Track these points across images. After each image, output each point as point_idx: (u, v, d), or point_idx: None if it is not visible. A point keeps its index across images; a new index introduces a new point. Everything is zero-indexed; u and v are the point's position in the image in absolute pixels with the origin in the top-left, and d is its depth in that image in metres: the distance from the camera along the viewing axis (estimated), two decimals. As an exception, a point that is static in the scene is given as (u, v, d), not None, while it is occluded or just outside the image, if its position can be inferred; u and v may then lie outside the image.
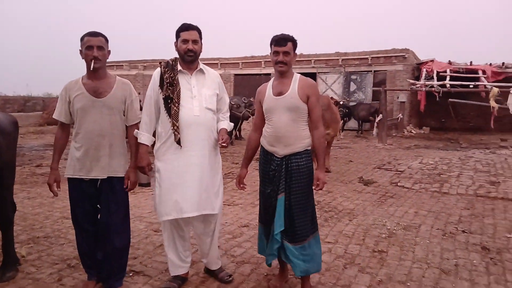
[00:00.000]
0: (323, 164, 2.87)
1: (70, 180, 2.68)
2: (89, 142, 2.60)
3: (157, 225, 4.23)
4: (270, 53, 2.81)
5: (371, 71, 18.85)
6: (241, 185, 3.05)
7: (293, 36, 2.77)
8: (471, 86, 14.76)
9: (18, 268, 3.08)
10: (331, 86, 19.74)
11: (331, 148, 8.73)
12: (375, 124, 15.16)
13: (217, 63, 21.68)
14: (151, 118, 2.80)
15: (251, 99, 11.72)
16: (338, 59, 19.55)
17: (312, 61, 19.96)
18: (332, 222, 4.65)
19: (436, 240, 4.05)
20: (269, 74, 19.28)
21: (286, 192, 2.74)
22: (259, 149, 3.04)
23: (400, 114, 16.77)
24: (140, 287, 2.92)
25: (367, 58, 18.80)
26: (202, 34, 2.85)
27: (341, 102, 14.68)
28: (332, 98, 9.32)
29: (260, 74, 20.83)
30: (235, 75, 21.96)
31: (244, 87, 20.65)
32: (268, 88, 2.85)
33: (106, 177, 2.65)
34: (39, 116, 18.94)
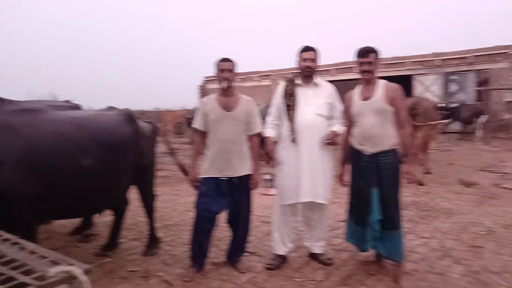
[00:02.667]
0: (412, 159, 3.21)
1: (205, 179, 3.27)
2: (221, 147, 3.22)
3: (264, 218, 4.82)
4: (356, 63, 3.25)
5: (473, 70, 17.72)
6: (342, 182, 3.50)
7: (375, 47, 3.20)
8: None
9: (158, 246, 3.87)
10: (429, 88, 18.95)
11: (431, 151, 8.61)
12: (479, 126, 14.27)
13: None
14: (275, 120, 3.50)
15: None
16: (435, 60, 18.74)
17: (407, 63, 19.38)
18: (428, 219, 4.79)
19: (541, 239, 4.01)
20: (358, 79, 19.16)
21: (378, 186, 3.12)
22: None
23: (508, 115, 15.49)
24: (254, 263, 3.51)
25: (467, 57, 17.73)
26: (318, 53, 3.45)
27: (442, 105, 14.15)
28: (430, 100, 9.18)
29: (352, 80, 20.77)
30: (328, 81, 22.13)
31: (338, 93, 20.71)
32: (355, 94, 3.29)
33: (237, 176, 3.25)
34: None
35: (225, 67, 3.22)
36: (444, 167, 8.78)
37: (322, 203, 3.41)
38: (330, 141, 3.32)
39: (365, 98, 3.20)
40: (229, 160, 3.21)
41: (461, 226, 4.47)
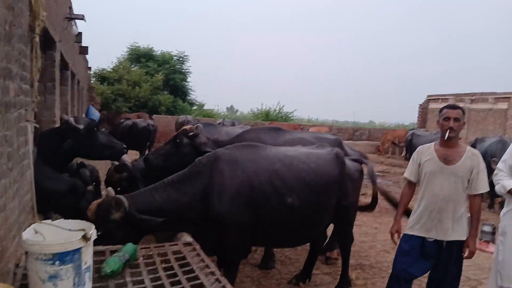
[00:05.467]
0: None
1: (409, 236, 3.01)
2: (432, 205, 2.88)
3: (475, 283, 4.13)
4: None
5: None
6: None
7: None
8: None
9: (349, 288, 3.79)
10: None
11: None
12: None
13: None
14: (508, 176, 2.96)
15: None
16: None
17: None
18: None
19: None
20: None
21: None
22: None
23: None
24: None
25: None
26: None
27: None
28: None
29: None
30: None
31: None
32: None
33: (447, 240, 2.86)
34: (365, 144, 20.87)
35: (452, 115, 2.84)
36: None
37: None
38: None
39: None
40: (440, 221, 2.86)
41: None
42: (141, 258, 2.17)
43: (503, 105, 21.18)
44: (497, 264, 2.91)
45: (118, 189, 3.69)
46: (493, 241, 5.15)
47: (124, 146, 4.15)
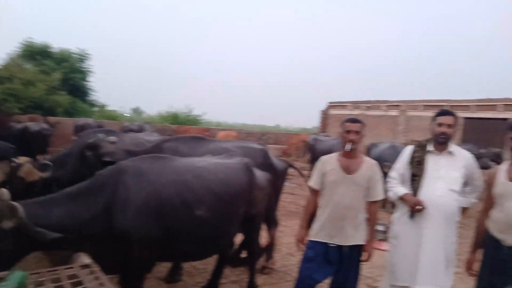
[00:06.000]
0: None
1: (313, 242, 3.12)
2: (336, 212, 3.03)
3: (371, 281, 4.46)
4: (505, 137, 2.77)
5: None
6: (470, 271, 3.02)
7: None
8: None
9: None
10: None
11: None
12: None
13: (444, 105, 20.38)
14: (400, 183, 3.20)
15: (499, 150, 10.58)
16: None
17: None
18: None
19: None
20: (507, 119, 16.94)
21: None
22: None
23: None
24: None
25: None
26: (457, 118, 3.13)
27: None
28: None
29: (496, 119, 18.49)
30: (466, 118, 20.11)
31: (476, 133, 18.68)
32: (501, 171, 2.80)
33: (348, 245, 3.03)
34: (272, 148, 21.55)
35: (352, 128, 3.03)
36: None
37: None
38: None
39: None
40: (343, 227, 3.02)
41: None
42: (31, 286, 1.95)
43: (394, 112, 23.47)
44: (390, 265, 3.16)
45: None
46: (386, 239, 5.60)
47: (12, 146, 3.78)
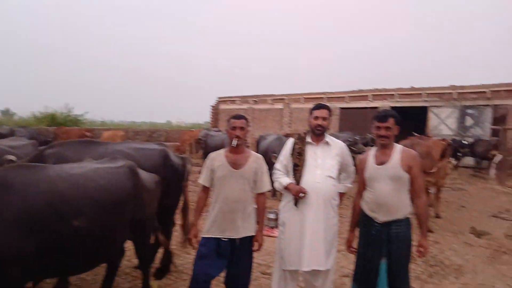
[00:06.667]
0: (426, 231, 3.06)
1: (206, 239, 3.14)
2: (226, 207, 3.10)
3: (265, 268, 4.66)
4: (372, 126, 3.12)
5: (491, 105, 17.46)
6: (351, 249, 3.35)
7: (394, 113, 3.09)
8: None
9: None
10: (444, 120, 18.70)
11: (443, 190, 8.34)
12: (493, 165, 13.90)
13: (322, 97, 22.11)
14: (284, 174, 3.36)
15: (368, 135, 11.68)
16: (452, 93, 18.54)
17: (424, 94, 19.21)
18: (437, 279, 4.58)
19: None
20: (377, 107, 19.05)
21: (388, 257, 2.95)
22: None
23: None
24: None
25: (485, 92, 17.52)
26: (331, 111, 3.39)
27: (454, 138, 13.90)
28: (444, 139, 8.96)
29: (366, 108, 20.63)
30: (341, 108, 22.08)
31: (350, 121, 20.64)
32: (370, 156, 3.15)
33: (240, 237, 3.11)
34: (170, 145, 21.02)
35: (237, 124, 3.14)
36: (455, 211, 8.52)
37: (325, 270, 3.23)
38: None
39: (380, 163, 3.06)
40: (233, 220, 3.10)
41: (471, 290, 4.25)
42: None
43: (279, 105, 24.69)
44: (280, 251, 3.35)
45: None
46: (277, 226, 5.88)
47: None
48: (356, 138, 11.94)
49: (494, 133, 16.23)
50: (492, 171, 13.90)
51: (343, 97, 22.11)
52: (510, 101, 16.83)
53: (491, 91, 17.41)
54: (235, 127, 3.13)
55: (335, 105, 21.98)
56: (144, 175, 3.50)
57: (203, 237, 3.16)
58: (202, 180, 3.24)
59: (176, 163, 4.41)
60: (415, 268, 4.75)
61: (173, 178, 4.21)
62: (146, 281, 3.71)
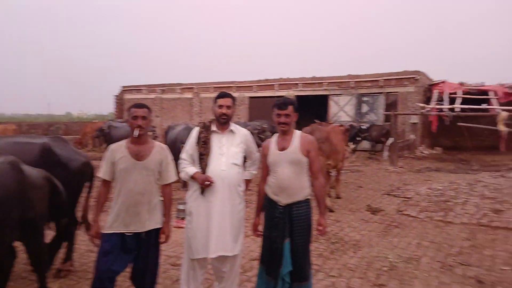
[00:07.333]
0: (324, 211, 3.26)
1: (108, 234, 2.98)
2: (129, 200, 2.96)
3: (175, 259, 4.60)
4: (273, 114, 3.22)
5: (383, 92, 19.17)
6: (257, 232, 3.43)
7: (293, 100, 3.22)
8: (483, 106, 14.98)
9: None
10: (343, 107, 20.08)
11: (342, 172, 9.00)
12: (386, 147, 15.38)
13: (232, 87, 22.29)
14: (190, 163, 3.31)
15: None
16: (350, 81, 19.95)
17: (324, 83, 20.38)
18: (338, 254, 4.92)
19: (435, 273, 4.30)
20: (283, 96, 19.76)
21: (290, 238, 3.10)
22: None
23: (412, 136, 16.96)
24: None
25: (378, 80, 19.15)
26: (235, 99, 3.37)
27: (352, 124, 15.08)
28: (342, 125, 9.62)
29: (273, 97, 21.28)
30: (250, 97, 22.51)
31: (259, 109, 21.15)
32: (272, 143, 3.26)
33: (145, 230, 3.01)
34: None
35: (139, 113, 3.00)
36: (353, 190, 9.24)
37: (232, 255, 3.29)
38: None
39: (282, 148, 3.17)
40: (138, 214, 2.98)
41: (368, 262, 4.66)
42: None
43: (188, 95, 24.31)
44: (187, 240, 3.32)
45: None
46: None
47: None
48: (265, 126, 12.31)
49: (387, 118, 17.85)
50: (385, 153, 15.35)
51: (251, 86, 22.53)
52: (399, 89, 18.63)
53: (384, 79, 19.08)
54: (137, 116, 3.00)
55: (244, 94, 22.32)
56: (29, 170, 3.20)
57: (105, 234, 3.00)
58: (102, 173, 3.07)
59: (66, 158, 4.08)
60: (318, 246, 5.07)
61: (62, 175, 3.82)
62: (43, 284, 3.43)
